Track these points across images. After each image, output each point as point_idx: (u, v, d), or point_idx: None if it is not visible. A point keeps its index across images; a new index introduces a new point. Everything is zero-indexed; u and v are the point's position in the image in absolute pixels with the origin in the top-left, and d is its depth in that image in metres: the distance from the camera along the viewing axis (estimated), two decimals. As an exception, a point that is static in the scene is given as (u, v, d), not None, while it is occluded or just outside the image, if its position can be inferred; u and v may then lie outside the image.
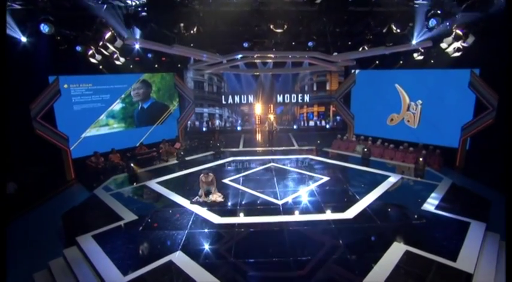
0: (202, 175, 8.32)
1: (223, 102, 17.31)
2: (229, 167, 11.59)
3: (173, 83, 15.53)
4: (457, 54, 8.75)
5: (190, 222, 7.12)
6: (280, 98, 17.56)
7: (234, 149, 14.22)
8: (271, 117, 14.51)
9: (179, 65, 15.03)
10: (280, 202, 8.12)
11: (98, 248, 6.16)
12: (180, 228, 6.85)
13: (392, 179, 9.77)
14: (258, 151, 13.90)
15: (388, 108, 14.17)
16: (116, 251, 6.00)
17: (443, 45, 8.49)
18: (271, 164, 11.75)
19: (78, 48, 8.84)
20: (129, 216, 7.53)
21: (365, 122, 15.07)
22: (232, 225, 6.95)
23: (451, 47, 8.33)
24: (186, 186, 9.26)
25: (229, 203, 8.12)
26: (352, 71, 15.54)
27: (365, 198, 8.29)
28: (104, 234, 6.70)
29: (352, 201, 8.05)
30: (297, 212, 7.57)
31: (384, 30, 8.26)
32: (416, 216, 7.31)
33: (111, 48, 7.41)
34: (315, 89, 17.52)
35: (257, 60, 12.93)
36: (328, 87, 17.41)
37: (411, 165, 10.96)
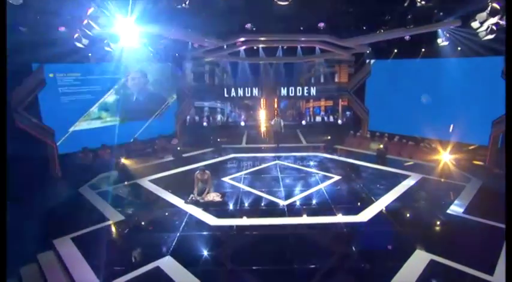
0: (197, 172, 8.12)
1: (226, 95, 16.86)
2: (229, 165, 11.39)
3: (170, 73, 15.19)
4: (490, 36, 8.14)
5: (184, 223, 6.85)
6: (284, 91, 17.01)
7: (236, 146, 14.03)
8: (278, 119, 13.76)
9: (177, 54, 14.63)
10: (285, 203, 7.84)
11: (76, 252, 5.83)
12: (171, 230, 6.55)
13: (413, 178, 9.40)
14: (263, 148, 13.69)
15: (406, 101, 13.56)
16: (96, 256, 5.66)
17: (474, 24, 7.87)
18: (277, 161, 11.59)
19: (62, 29, 8.49)
20: (115, 216, 7.26)
21: (381, 117, 14.56)
22: (230, 227, 6.66)
23: (485, 25, 7.69)
24: (181, 185, 9.03)
25: (228, 203, 7.88)
26: (367, 61, 15.04)
27: (381, 199, 7.94)
28: (85, 236, 6.41)
29: (367, 203, 7.73)
30: (304, 214, 7.28)
31: (406, 3, 7.61)
32: (441, 220, 6.87)
33: (96, 28, 7.01)
34: (322, 81, 16.87)
35: (261, 45, 12.40)
36: (336, 79, 16.75)
37: (433, 164, 10.53)
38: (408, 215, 7.23)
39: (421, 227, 6.63)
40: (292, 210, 7.41)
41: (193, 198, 7.92)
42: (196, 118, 16.87)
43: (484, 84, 11.24)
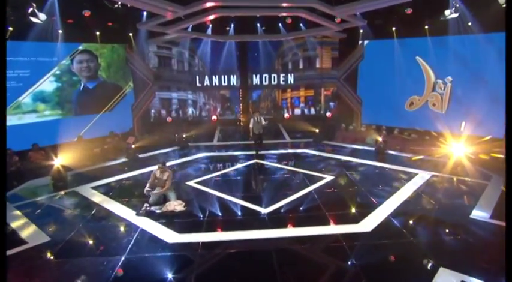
0: (157, 168, 7.48)
1: (198, 84, 16.10)
2: (197, 166, 10.81)
3: (125, 57, 14.32)
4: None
5: (132, 242, 5.91)
6: (256, 79, 16.28)
7: (206, 143, 13.60)
8: (258, 116, 11.44)
9: (131, 34, 13.61)
10: (265, 210, 7.14)
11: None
12: (113, 253, 5.58)
13: (421, 177, 8.93)
14: (238, 145, 13.24)
15: (407, 89, 13.42)
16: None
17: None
18: (255, 160, 11.07)
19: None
20: (37, 238, 6.17)
21: (376, 108, 14.28)
22: (196, 245, 5.82)
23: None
24: (132, 193, 8.32)
25: (193, 214, 7.08)
26: (360, 42, 14.59)
27: (386, 203, 7.33)
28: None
29: (369, 208, 7.12)
30: (290, 225, 6.58)
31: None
32: (465, 228, 6.19)
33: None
34: (301, 66, 16.33)
35: (233, 14, 11.48)
36: (318, 65, 16.18)
37: (443, 159, 10.12)
38: (422, 222, 6.54)
39: (441, 237, 5.93)
40: (275, 220, 6.71)
41: (148, 208, 7.05)
42: (163, 112, 16.07)
43: (499, 65, 10.75)
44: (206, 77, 16.03)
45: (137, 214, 6.95)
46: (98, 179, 9.28)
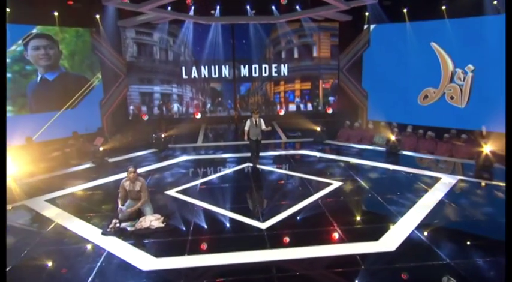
0: (125, 178, 6.85)
1: (184, 76, 15.74)
2: (178, 171, 10.41)
3: (90, 44, 13.90)
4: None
5: (96, 270, 5.31)
6: (244, 70, 15.97)
7: (189, 145, 13.37)
8: (257, 119, 9.92)
9: (97, 16, 13.10)
10: (264, 226, 6.66)
11: None
12: None
13: (445, 182, 8.63)
14: (228, 146, 13.20)
15: (420, 81, 13.31)
16: None
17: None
18: (248, 164, 10.72)
19: None
20: None
21: (384, 102, 14.20)
22: (177, 272, 5.28)
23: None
24: (98, 206, 7.82)
25: (174, 232, 6.59)
26: (365, 26, 14.42)
27: (409, 214, 6.89)
28: None
29: (388, 221, 6.70)
30: (294, 243, 6.09)
31: None
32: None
33: None
34: (296, 56, 16.14)
35: None
36: (315, 54, 16.02)
37: (467, 161, 10.08)
38: (456, 238, 6.07)
39: (489, 257, 5.38)
40: (276, 238, 6.22)
41: (117, 225, 6.47)
42: (144, 109, 15.77)
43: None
44: (194, 68, 15.74)
45: (103, 233, 6.38)
46: (55, 190, 8.71)
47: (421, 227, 6.34)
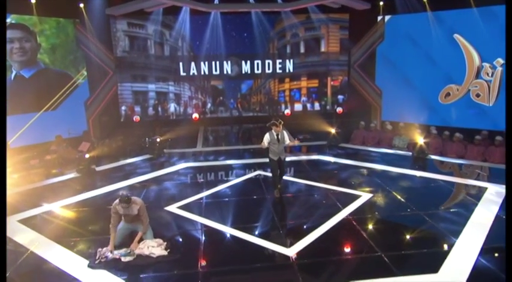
0: (117, 202, 5.67)
1: (182, 73, 15.01)
2: (178, 182, 9.62)
3: (74, 37, 13.04)
4: None
5: None
6: (246, 67, 15.18)
7: (188, 150, 12.68)
8: (281, 132, 7.62)
9: (81, 5, 12.26)
10: (290, 252, 5.66)
11: None
12: None
13: (495, 192, 7.75)
14: (231, 151, 12.60)
15: (441, 77, 12.63)
16: None
17: None
18: (258, 172, 9.99)
19: None
20: None
21: (400, 101, 13.52)
22: None
23: None
24: (85, 228, 6.83)
25: (180, 260, 5.58)
26: (379, 18, 13.66)
27: (464, 235, 5.89)
28: None
29: (442, 244, 5.72)
30: (335, 276, 5.14)
31: None
32: None
33: None
34: (302, 51, 15.48)
35: None
36: (324, 48, 15.36)
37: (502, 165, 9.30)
38: None
39: None
40: (310, 268, 5.20)
41: (107, 255, 5.43)
42: (137, 109, 14.99)
43: None
44: (193, 64, 15.08)
45: (90, 265, 5.34)
46: (30, 207, 7.69)
47: (486, 252, 5.34)
